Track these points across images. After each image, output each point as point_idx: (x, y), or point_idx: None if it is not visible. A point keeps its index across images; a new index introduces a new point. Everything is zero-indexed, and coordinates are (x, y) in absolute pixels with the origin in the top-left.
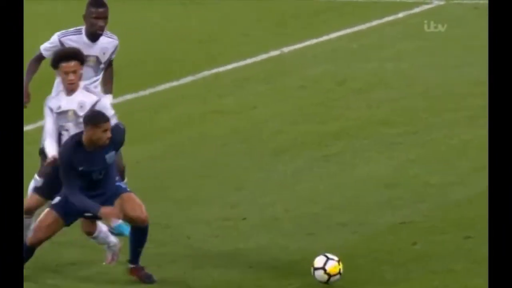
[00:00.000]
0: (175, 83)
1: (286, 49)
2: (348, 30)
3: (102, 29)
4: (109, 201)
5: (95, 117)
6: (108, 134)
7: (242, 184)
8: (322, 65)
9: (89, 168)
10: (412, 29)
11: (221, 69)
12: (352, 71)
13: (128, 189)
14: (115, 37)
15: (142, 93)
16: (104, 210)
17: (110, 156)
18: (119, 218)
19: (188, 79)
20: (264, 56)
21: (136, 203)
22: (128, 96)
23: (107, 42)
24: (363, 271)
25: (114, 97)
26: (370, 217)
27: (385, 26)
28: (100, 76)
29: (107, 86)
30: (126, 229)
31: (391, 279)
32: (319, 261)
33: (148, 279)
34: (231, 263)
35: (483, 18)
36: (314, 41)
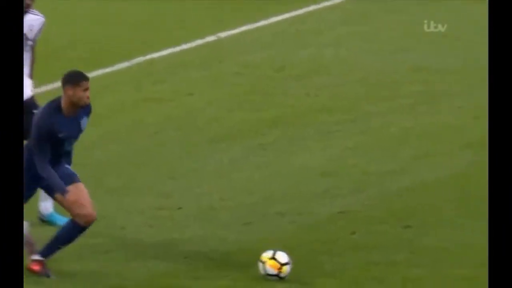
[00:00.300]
0: (108, 69)
1: (222, 35)
2: (286, 15)
3: (28, 7)
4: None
5: (74, 76)
6: (88, 93)
7: (177, 172)
8: (260, 51)
9: (68, 134)
10: (350, 14)
11: (155, 55)
12: (290, 57)
13: (80, 180)
14: (42, 15)
15: None
16: (70, 198)
17: (84, 121)
18: (80, 208)
19: (122, 65)
20: (200, 41)
21: (88, 199)
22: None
23: (33, 19)
24: (301, 262)
25: (46, 83)
26: (308, 206)
27: (323, 11)
28: (29, 58)
29: (28, 71)
30: (60, 219)
31: (329, 269)
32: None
33: (47, 275)
34: (167, 254)
35: (423, 5)
36: (252, 26)
